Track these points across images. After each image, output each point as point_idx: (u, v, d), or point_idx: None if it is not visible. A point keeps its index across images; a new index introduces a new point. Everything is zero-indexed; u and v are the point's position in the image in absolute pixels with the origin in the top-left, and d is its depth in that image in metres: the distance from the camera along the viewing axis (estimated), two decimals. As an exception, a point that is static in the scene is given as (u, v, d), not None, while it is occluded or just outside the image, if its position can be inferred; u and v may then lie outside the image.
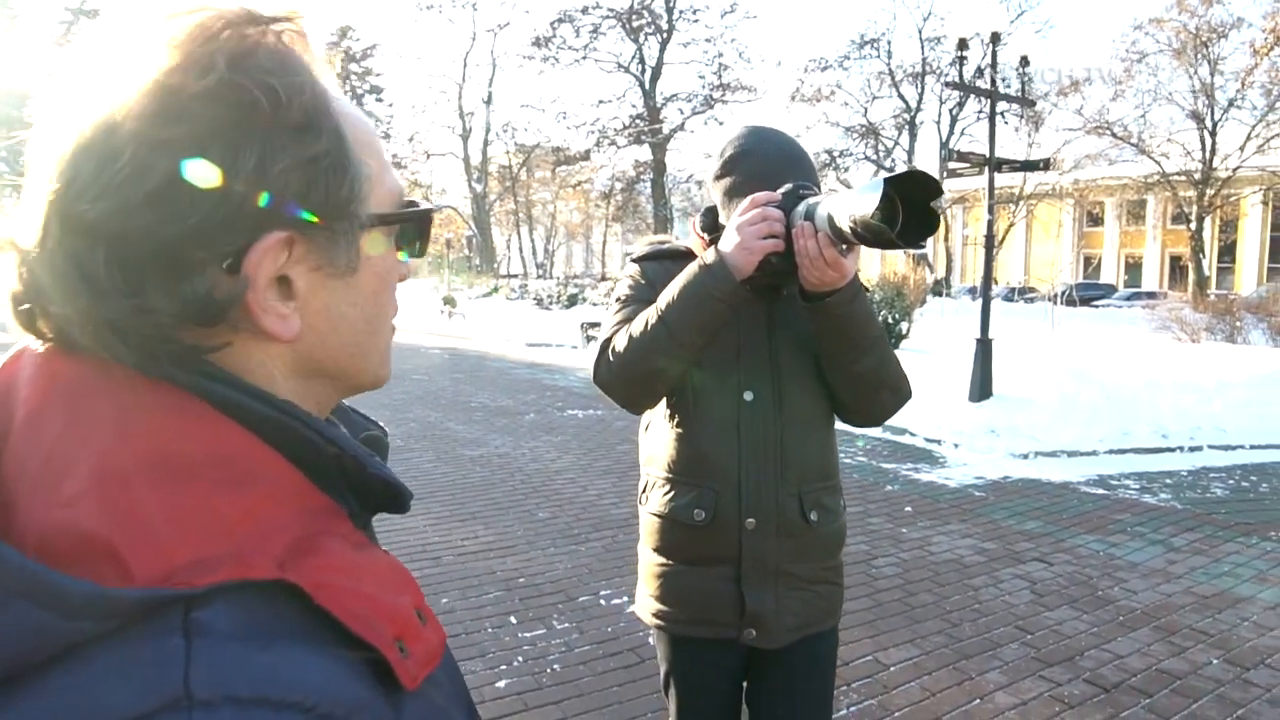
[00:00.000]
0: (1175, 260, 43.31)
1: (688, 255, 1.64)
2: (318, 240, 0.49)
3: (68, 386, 0.46)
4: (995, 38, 7.97)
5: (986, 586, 4.34)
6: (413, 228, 0.57)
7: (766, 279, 1.51)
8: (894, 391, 1.63)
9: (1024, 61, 8.69)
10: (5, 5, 48.96)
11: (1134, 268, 46.59)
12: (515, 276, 46.01)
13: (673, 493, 1.60)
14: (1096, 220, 47.05)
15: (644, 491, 1.69)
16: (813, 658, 1.69)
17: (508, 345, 17.80)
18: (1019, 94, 8.95)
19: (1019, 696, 3.20)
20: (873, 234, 1.25)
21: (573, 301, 27.39)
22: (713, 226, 1.66)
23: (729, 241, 1.47)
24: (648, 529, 1.67)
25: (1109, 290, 39.55)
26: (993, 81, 8.24)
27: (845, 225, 1.29)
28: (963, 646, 3.63)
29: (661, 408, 1.64)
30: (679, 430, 1.61)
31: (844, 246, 1.37)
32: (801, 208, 1.42)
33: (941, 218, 1.58)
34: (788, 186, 1.46)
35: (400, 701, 0.45)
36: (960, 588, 4.31)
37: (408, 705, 0.45)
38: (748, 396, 1.59)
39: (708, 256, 1.49)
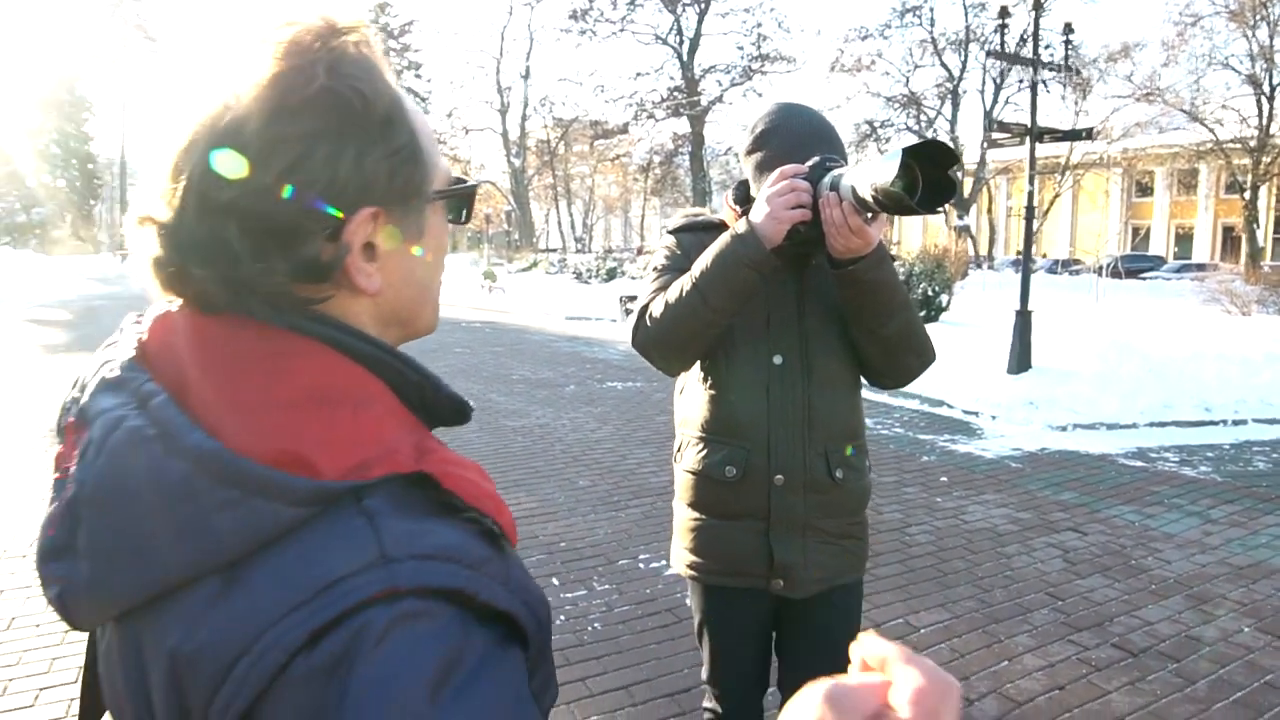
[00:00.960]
0: (1228, 231, 42.09)
1: (721, 226, 1.73)
2: (396, 214, 0.62)
3: (225, 346, 0.58)
4: (1038, 4, 7.84)
5: (1019, 554, 4.39)
6: (461, 200, 0.70)
7: (795, 248, 1.59)
8: (919, 354, 1.71)
9: (1068, 29, 8.53)
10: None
11: (1184, 239, 45.37)
12: (554, 251, 46.17)
13: (706, 451, 1.70)
14: (1145, 190, 45.84)
15: (679, 450, 1.79)
16: (839, 608, 1.79)
17: (547, 319, 17.97)
18: (1063, 62, 8.81)
19: (1047, 659, 3.27)
20: (893, 201, 1.33)
21: (611, 275, 27.48)
22: (745, 199, 1.74)
23: (759, 212, 1.56)
24: (682, 485, 1.78)
25: (1158, 262, 38.63)
26: (1035, 50, 8.10)
27: (867, 194, 1.38)
28: (993, 611, 3.70)
29: (695, 371, 1.73)
30: (712, 392, 1.70)
31: (868, 215, 1.45)
32: (827, 179, 1.50)
33: (959, 185, 1.62)
34: (815, 159, 1.54)
35: (506, 557, 0.59)
36: (993, 555, 4.37)
37: (510, 559, 0.59)
38: (777, 360, 1.68)
39: (739, 226, 1.58)
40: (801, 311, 1.69)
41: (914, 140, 1.34)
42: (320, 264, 0.58)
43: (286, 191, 0.56)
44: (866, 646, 0.52)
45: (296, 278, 0.58)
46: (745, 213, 1.63)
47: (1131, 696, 3.01)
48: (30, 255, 37.52)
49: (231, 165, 0.55)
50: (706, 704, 1.93)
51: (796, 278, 1.69)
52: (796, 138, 1.64)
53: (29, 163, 51.32)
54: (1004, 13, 8.08)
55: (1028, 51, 8.65)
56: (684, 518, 1.78)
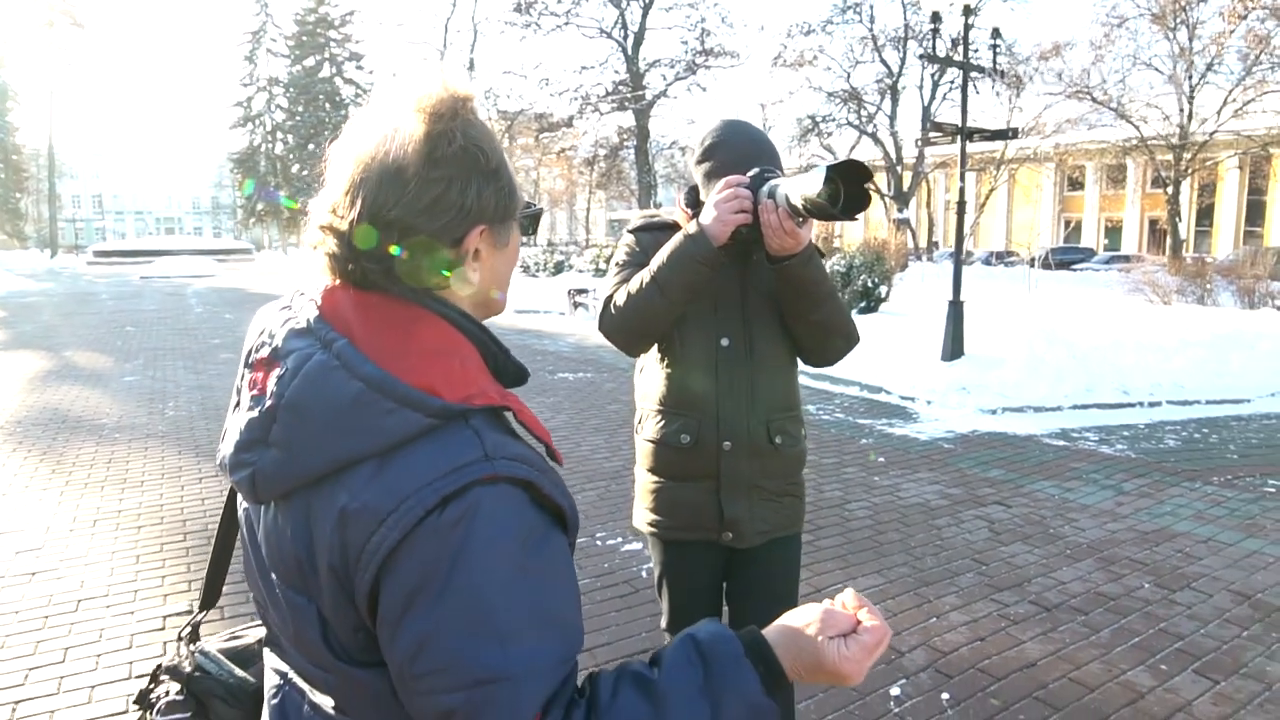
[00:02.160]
0: (1154, 224, 43.84)
1: (675, 227, 1.98)
2: (495, 230, 0.89)
3: (378, 312, 0.85)
4: (968, 10, 8.27)
5: (949, 526, 4.75)
6: (531, 218, 0.98)
7: (739, 246, 1.85)
8: (845, 337, 1.99)
9: (995, 33, 8.99)
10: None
11: (1114, 231, 47.08)
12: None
13: (663, 422, 1.96)
14: (1077, 185, 47.44)
15: (639, 422, 2.05)
16: (780, 558, 2.07)
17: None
18: (991, 65, 9.26)
19: (970, 615, 3.62)
20: (818, 209, 1.60)
21: (559, 269, 27.58)
22: (695, 203, 2.00)
23: (708, 215, 1.81)
24: (643, 453, 2.03)
25: (1088, 254, 40.08)
26: (965, 54, 8.54)
27: (798, 202, 1.64)
28: (924, 575, 4.04)
29: (653, 352, 1.99)
30: (668, 370, 1.96)
31: (799, 219, 1.71)
32: (766, 188, 1.76)
33: (873, 196, 1.83)
34: (755, 171, 1.80)
35: (555, 472, 0.86)
36: (925, 527, 4.72)
37: (558, 474, 0.87)
38: (724, 343, 1.94)
39: (690, 227, 1.83)
40: (744, 300, 1.95)
41: (847, 149, 1.61)
42: (449, 262, 0.87)
43: (430, 216, 0.84)
44: (845, 596, 0.89)
45: (431, 273, 0.86)
46: (696, 215, 1.89)
47: (1044, 645, 3.36)
48: (-44, 251, 36.10)
49: (396, 196, 0.83)
50: (663, 634, 2.20)
51: (740, 271, 1.95)
52: (740, 151, 1.89)
53: (-50, 154, 49.39)
54: (935, 17, 8.50)
55: (960, 55, 9.07)
56: (644, 481, 2.04)
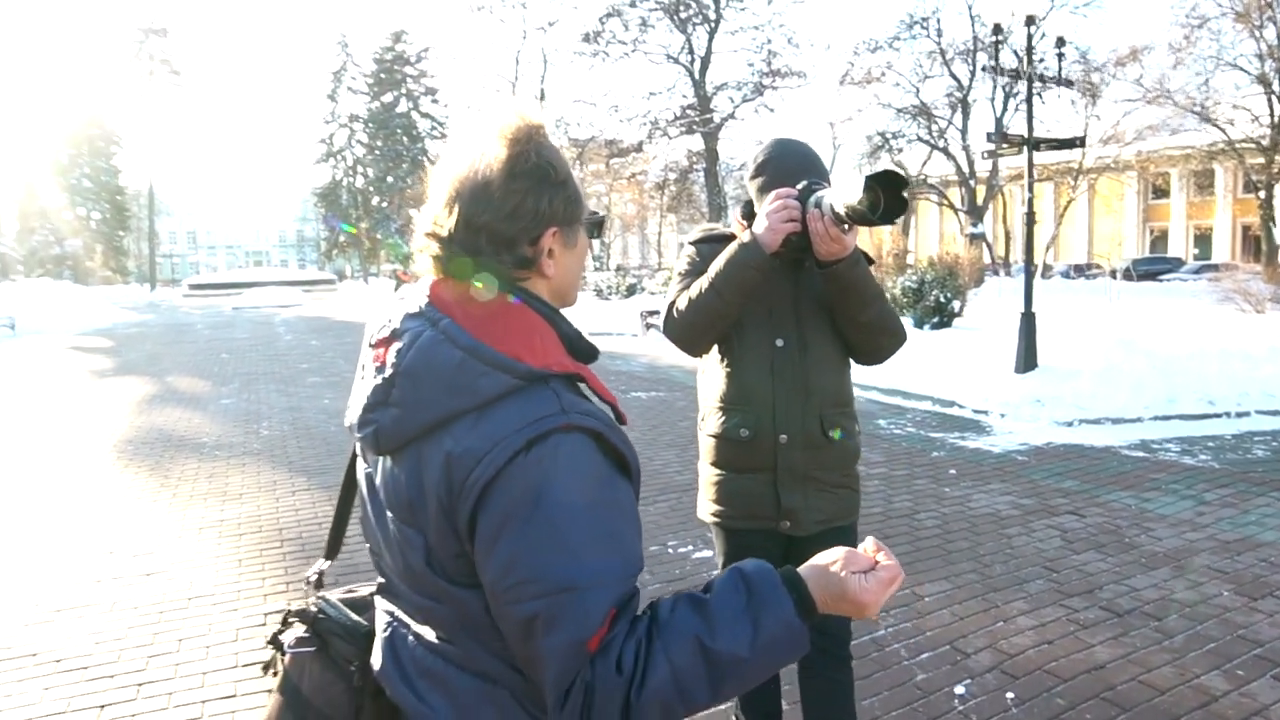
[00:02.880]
0: (1247, 230, 42.00)
1: (731, 238, 2.13)
2: (566, 231, 1.08)
3: (476, 300, 1.04)
4: (1030, 20, 8.22)
5: (1020, 535, 4.74)
6: (595, 224, 1.17)
7: (790, 253, 2.00)
8: (892, 336, 2.11)
9: (1060, 42, 8.91)
10: (83, 29, 51.13)
11: (1204, 240, 45.28)
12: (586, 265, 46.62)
13: (723, 417, 2.11)
14: (1162, 193, 45.84)
15: (702, 419, 2.20)
16: (836, 546, 2.18)
17: (569, 335, 18.44)
18: (1057, 75, 9.16)
19: (1039, 620, 3.63)
20: (859, 216, 1.73)
21: (631, 291, 27.91)
22: (749, 215, 2.15)
23: (760, 225, 1.96)
24: (705, 448, 2.18)
25: (1176, 264, 38.63)
26: (1030, 64, 8.48)
27: (842, 210, 1.78)
28: (992, 582, 4.06)
29: (714, 353, 2.14)
30: (727, 369, 2.11)
31: (844, 226, 1.85)
32: (813, 199, 1.90)
33: (908, 201, 1.93)
34: (803, 183, 1.95)
35: (615, 429, 1.03)
36: (994, 536, 4.72)
37: (618, 431, 1.03)
38: (779, 343, 2.08)
39: (744, 237, 1.99)
40: (798, 304, 2.09)
41: (907, 172, 1.75)
42: (528, 259, 1.06)
43: (512, 220, 1.03)
44: (867, 543, 1.07)
45: (515, 266, 1.05)
46: (750, 226, 2.04)
47: (1113, 649, 3.36)
48: (68, 286, 38.53)
49: (485, 204, 1.03)
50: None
51: (793, 277, 2.09)
52: (789, 166, 2.05)
53: (61, 198, 52.71)
54: (998, 29, 8.48)
55: (1026, 65, 9.01)
56: (707, 474, 2.18)
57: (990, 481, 5.88)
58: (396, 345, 1.04)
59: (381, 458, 1.08)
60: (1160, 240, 47.04)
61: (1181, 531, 4.77)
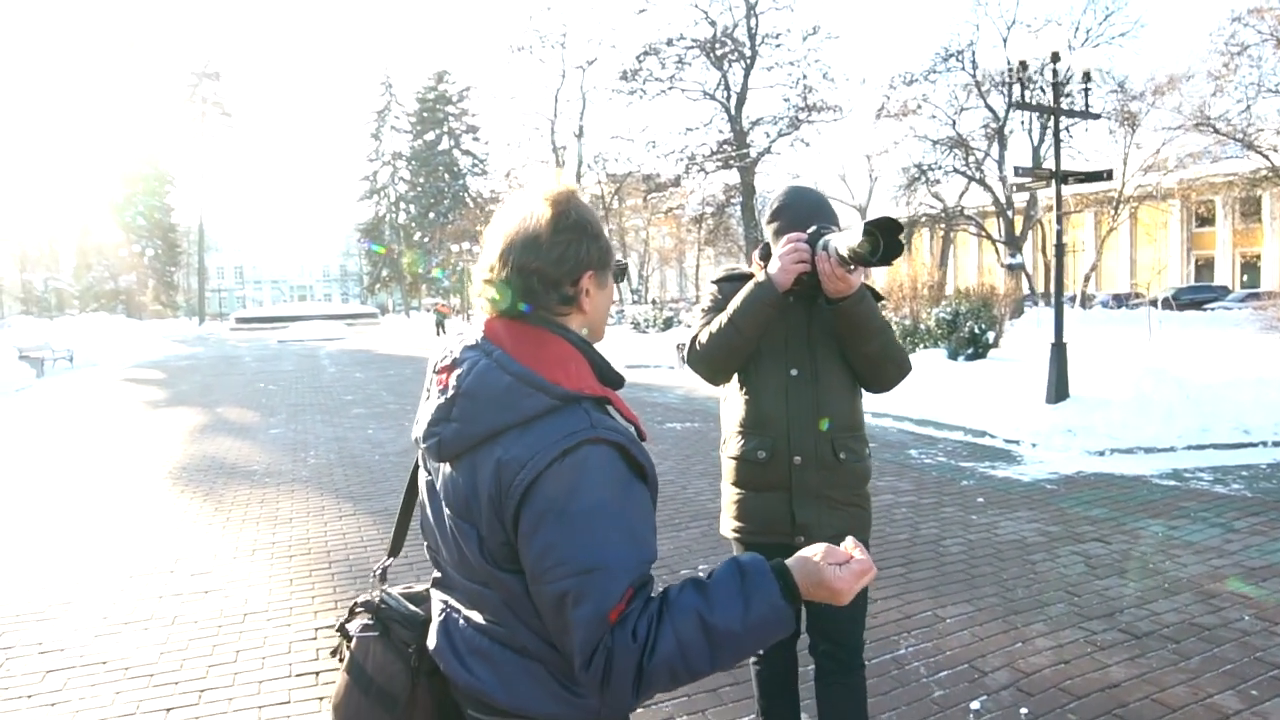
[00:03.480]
0: (1296, 258, 41.15)
1: (750, 277, 2.35)
2: (599, 274, 1.30)
3: (522, 332, 1.26)
4: (1055, 57, 8.38)
5: (1044, 561, 4.83)
6: (621, 269, 1.39)
7: (803, 291, 2.20)
8: (897, 365, 2.30)
9: (1086, 77, 9.04)
10: (139, 72, 53.34)
11: (1251, 267, 44.41)
12: (613, 303, 47.17)
13: (743, 440, 2.31)
14: (1206, 220, 45.16)
15: (724, 443, 2.40)
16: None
17: (605, 367, 18.70)
18: (1084, 109, 9.28)
19: (1057, 641, 3.73)
20: (860, 258, 1.93)
21: (668, 325, 28.19)
22: (766, 256, 2.36)
23: (774, 266, 2.17)
24: (726, 469, 2.38)
25: (1222, 292, 37.94)
26: (1056, 99, 8.63)
27: (845, 253, 1.98)
28: (1013, 605, 4.16)
29: (734, 382, 2.35)
30: (746, 396, 2.31)
31: (849, 267, 2.05)
32: (821, 242, 2.11)
33: (903, 245, 2.09)
34: (813, 228, 2.16)
35: (637, 443, 1.24)
36: (1019, 562, 4.82)
37: (639, 446, 1.24)
38: (793, 372, 2.28)
39: (760, 276, 2.20)
40: (810, 336, 2.29)
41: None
42: (570, 297, 1.29)
43: (558, 266, 1.26)
44: (846, 542, 1.27)
45: (560, 303, 1.28)
46: (766, 267, 2.25)
47: (1128, 669, 3.45)
48: (121, 320, 39.83)
49: (534, 253, 1.25)
50: (751, 647, 2.52)
51: (807, 312, 2.29)
52: (801, 212, 2.26)
53: (117, 235, 54.65)
54: (1023, 66, 8.63)
55: (1053, 100, 9.15)
56: (728, 494, 2.38)
57: (1018, 509, 5.96)
58: (457, 371, 1.26)
59: (442, 465, 1.30)
60: (1206, 268, 46.26)
61: (1207, 558, 4.82)
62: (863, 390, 2.39)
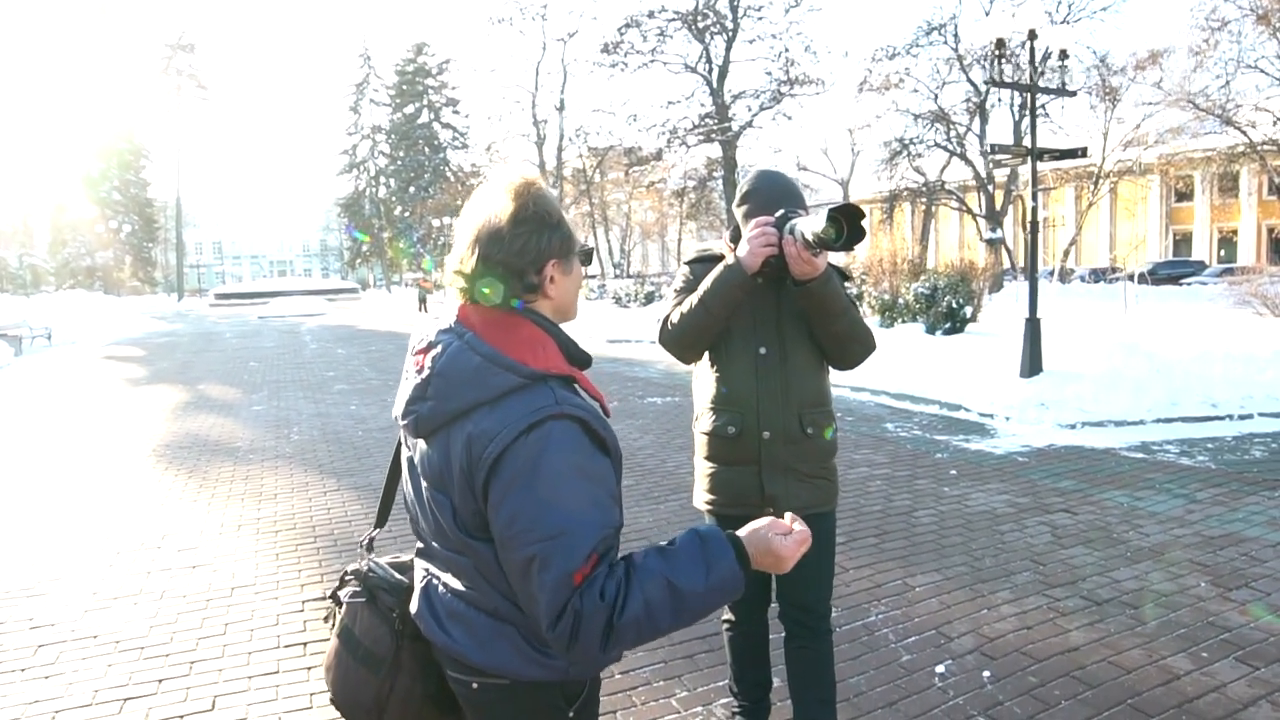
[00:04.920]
0: (1272, 232, 41.71)
1: (721, 258, 2.43)
2: (563, 262, 1.37)
3: (492, 316, 1.34)
4: (1032, 34, 8.46)
5: (1012, 531, 4.98)
6: (586, 253, 1.45)
7: (771, 273, 2.29)
8: (862, 344, 2.39)
9: (1063, 55, 9.12)
10: (111, 44, 52.37)
11: (1228, 242, 44.96)
12: (594, 277, 47.25)
13: (714, 416, 2.40)
14: (1185, 196, 45.57)
15: (696, 419, 2.49)
16: (816, 531, 2.45)
17: (590, 342, 18.70)
18: (1060, 86, 9.38)
19: (1021, 609, 3.88)
20: (824, 243, 2.02)
21: (650, 299, 28.24)
22: (736, 238, 2.44)
23: (743, 249, 2.26)
24: (699, 444, 2.47)
25: (1198, 267, 38.43)
26: (1032, 76, 8.71)
27: (810, 237, 2.07)
28: (980, 574, 4.31)
29: (705, 360, 2.44)
30: (716, 374, 2.40)
31: (814, 251, 2.14)
32: (788, 226, 2.19)
33: (865, 231, 2.16)
34: (781, 212, 2.24)
35: (600, 419, 1.33)
36: (988, 532, 4.97)
37: (603, 422, 1.33)
38: (762, 351, 2.37)
39: (730, 259, 2.28)
40: (779, 316, 2.38)
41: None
42: (535, 285, 1.35)
43: (521, 256, 1.33)
44: (786, 516, 1.39)
45: (525, 291, 1.34)
46: (735, 249, 2.33)
47: (1088, 634, 3.60)
48: (99, 297, 39.41)
49: (497, 245, 1.32)
50: (725, 616, 2.63)
51: (776, 293, 2.38)
52: (769, 196, 2.34)
53: (92, 210, 53.90)
54: (1000, 44, 8.70)
55: (1047, 78, 9.22)
56: (701, 467, 2.48)
57: (989, 481, 6.11)
58: (432, 353, 1.34)
59: (420, 441, 1.39)
60: (1184, 243, 46.77)
61: (1169, 528, 4.99)
62: (830, 368, 2.50)
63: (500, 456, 1.24)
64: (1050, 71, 9.63)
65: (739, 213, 2.43)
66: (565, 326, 1.45)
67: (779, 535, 1.33)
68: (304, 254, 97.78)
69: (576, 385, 1.35)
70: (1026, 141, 9.89)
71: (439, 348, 1.34)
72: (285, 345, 20.54)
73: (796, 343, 2.39)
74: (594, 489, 1.27)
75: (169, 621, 3.95)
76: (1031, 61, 8.84)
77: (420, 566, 1.50)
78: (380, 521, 1.69)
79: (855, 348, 2.39)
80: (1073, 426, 7.76)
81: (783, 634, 2.58)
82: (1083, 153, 9.27)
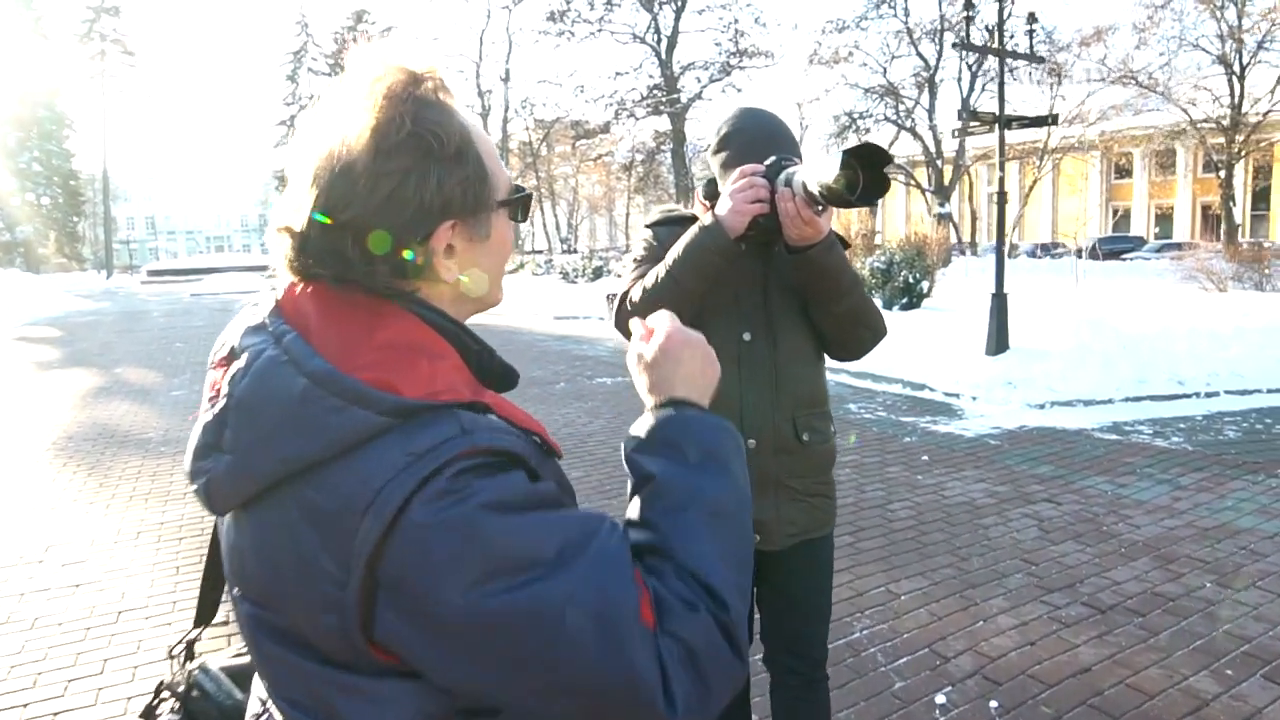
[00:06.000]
0: (1207, 210, 42.63)
1: (692, 220, 1.91)
2: (469, 222, 0.82)
3: (339, 304, 0.79)
4: (1001, -5, 8.10)
5: (996, 525, 4.60)
6: (519, 204, 0.89)
7: (758, 236, 1.78)
8: (871, 329, 1.90)
9: (1031, 18, 8.77)
10: (29, 5, 49.67)
11: (1165, 219, 45.87)
12: (540, 252, 46.29)
13: (685, 422, 1.89)
14: (1124, 172, 46.34)
15: (661, 424, 1.98)
16: (811, 560, 1.98)
17: (536, 319, 18.11)
18: (1028, 51, 9.03)
19: (1020, 619, 3.47)
20: (836, 196, 1.51)
21: (598, 275, 27.62)
22: (713, 195, 1.93)
23: (723, 206, 1.74)
24: (665, 455, 1.96)
25: (1138, 243, 39.08)
26: (1000, 40, 8.32)
27: (815, 190, 1.56)
28: (970, 577, 3.90)
29: (673, 351, 1.92)
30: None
31: (818, 208, 1.63)
32: (783, 176, 1.68)
33: (891, 181, 1.74)
34: (772, 159, 1.73)
35: (546, 461, 0.82)
36: (970, 527, 4.57)
37: (549, 464, 0.83)
38: (746, 337, 1.86)
39: (706, 219, 1.76)
40: (766, 293, 1.88)
41: (862, 141, 1.53)
42: (412, 266, 0.79)
43: (387, 213, 0.77)
44: (634, 325, 1.02)
45: (395, 276, 0.78)
46: (713, 207, 1.82)
47: (1098, 649, 3.21)
48: (16, 274, 37.38)
49: (347, 193, 0.76)
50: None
51: (761, 263, 1.88)
52: (756, 139, 1.82)
53: (10, 182, 51.09)
54: (969, 4, 8.30)
55: (996, 42, 8.86)
56: (668, 485, 1.97)
57: (964, 468, 5.74)
58: (234, 368, 0.78)
59: (225, 518, 0.83)
60: (1123, 220, 47.58)
61: (1159, 519, 4.65)
62: (825, 357, 2.01)
63: (382, 548, 0.70)
64: (1013, 38, 9.28)
65: (715, 162, 1.91)
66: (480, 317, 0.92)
67: (649, 348, 0.95)
68: (242, 229, 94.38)
69: (489, 408, 0.81)
70: (983, 112, 9.54)
71: (244, 359, 0.78)
72: (216, 324, 19.46)
73: (789, 327, 1.89)
74: (560, 513, 0.77)
75: (36, 659, 3.33)
76: (1000, 25, 8.45)
77: (257, 694, 0.92)
78: (201, 618, 1.14)
79: (862, 333, 1.90)
80: (1042, 406, 7.45)
81: (765, 675, 2.10)
82: (1053, 120, 8.94)
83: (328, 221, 0.76)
